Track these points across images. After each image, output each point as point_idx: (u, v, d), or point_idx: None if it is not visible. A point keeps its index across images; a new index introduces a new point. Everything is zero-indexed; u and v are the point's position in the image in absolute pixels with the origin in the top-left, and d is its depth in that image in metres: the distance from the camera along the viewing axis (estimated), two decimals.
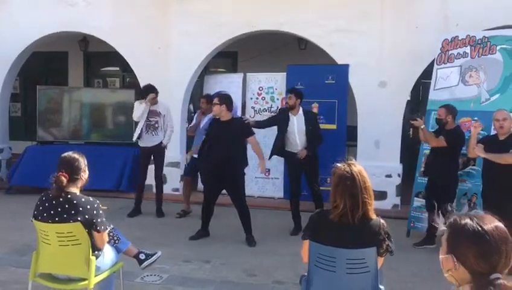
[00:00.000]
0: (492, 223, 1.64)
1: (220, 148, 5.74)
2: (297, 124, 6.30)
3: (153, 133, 6.99)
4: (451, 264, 1.66)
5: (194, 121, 7.10)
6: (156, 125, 6.98)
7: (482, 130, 5.87)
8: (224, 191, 6.09)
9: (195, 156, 6.82)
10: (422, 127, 5.76)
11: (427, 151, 6.31)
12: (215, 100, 5.89)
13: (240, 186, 5.93)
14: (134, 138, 7.09)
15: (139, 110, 6.86)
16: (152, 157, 7.15)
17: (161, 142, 7.04)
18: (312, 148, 6.27)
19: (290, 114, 6.35)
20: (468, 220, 1.66)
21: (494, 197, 4.97)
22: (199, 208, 7.07)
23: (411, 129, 9.86)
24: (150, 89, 6.93)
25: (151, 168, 7.24)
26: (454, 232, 1.67)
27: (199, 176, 7.21)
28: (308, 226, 3.00)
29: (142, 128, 6.92)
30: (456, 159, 5.65)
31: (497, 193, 4.97)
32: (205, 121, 6.81)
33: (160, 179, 7.22)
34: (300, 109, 6.38)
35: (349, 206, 2.80)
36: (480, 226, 1.62)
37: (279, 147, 6.43)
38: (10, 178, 8.64)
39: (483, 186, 5.45)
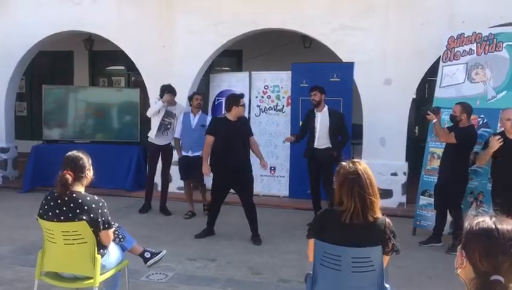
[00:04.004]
0: (510, 225, 1.57)
1: (237, 147, 5.74)
2: (320, 119, 6.50)
3: (164, 132, 7.06)
4: (459, 260, 1.63)
5: (180, 125, 7.00)
6: (169, 126, 7.04)
7: (488, 128, 5.86)
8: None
9: (185, 153, 6.86)
10: (434, 121, 5.73)
11: (433, 149, 6.29)
12: (244, 101, 5.97)
13: (251, 186, 5.98)
14: (151, 136, 7.07)
15: (155, 107, 6.91)
16: (160, 155, 7.19)
17: (170, 143, 7.08)
18: (337, 148, 6.42)
19: (315, 111, 6.55)
20: (486, 218, 1.61)
21: (503, 197, 4.90)
22: (202, 207, 7.13)
23: (417, 127, 9.84)
24: (168, 89, 6.98)
25: (158, 166, 7.29)
26: (469, 227, 1.62)
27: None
28: (313, 224, 2.99)
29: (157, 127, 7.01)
30: (465, 158, 5.60)
31: (507, 194, 4.91)
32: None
33: (166, 178, 7.26)
34: (326, 106, 6.57)
35: (355, 205, 2.78)
36: (494, 224, 1.57)
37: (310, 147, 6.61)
38: (24, 184, 8.56)
39: (492, 186, 5.42)
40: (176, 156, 7.45)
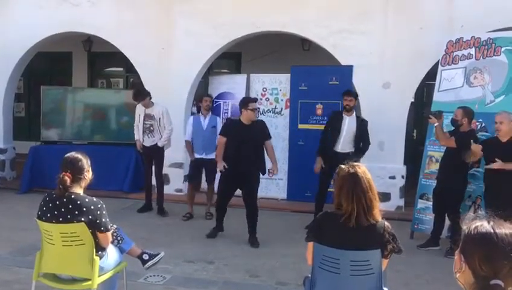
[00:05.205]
0: (508, 229, 1.57)
1: (247, 151, 5.75)
2: (348, 124, 6.50)
3: (149, 135, 7.12)
4: (458, 264, 1.62)
5: (191, 128, 7.04)
6: (151, 128, 7.08)
7: (486, 131, 5.88)
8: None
9: (198, 155, 6.86)
10: (436, 124, 5.73)
11: (432, 153, 6.31)
12: (256, 105, 5.95)
13: (257, 188, 6.01)
14: (139, 144, 7.26)
15: (136, 136, 7.23)
16: (152, 157, 7.23)
17: (156, 143, 7.11)
18: (358, 154, 6.37)
19: (344, 114, 6.53)
20: (484, 222, 1.60)
21: (496, 200, 4.93)
22: (202, 209, 7.13)
23: (415, 130, 9.85)
24: (135, 96, 7.09)
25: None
26: (467, 232, 1.62)
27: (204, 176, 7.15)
28: (313, 227, 2.98)
29: (141, 131, 7.13)
30: (465, 163, 5.62)
31: (500, 196, 4.94)
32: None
33: (159, 179, 7.27)
34: (354, 111, 6.62)
35: (354, 208, 2.78)
36: (493, 229, 1.56)
37: (326, 147, 6.52)
38: (21, 185, 8.51)
39: (485, 189, 5.45)
40: (175, 158, 7.47)
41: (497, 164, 5.13)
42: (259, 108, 5.97)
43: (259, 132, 5.94)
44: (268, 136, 6.06)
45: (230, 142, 5.85)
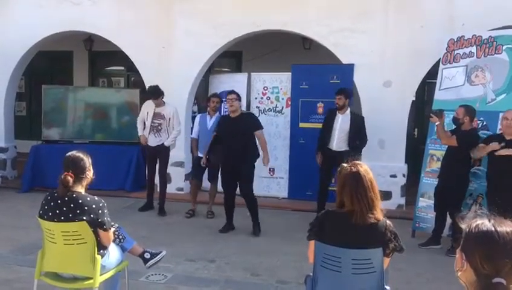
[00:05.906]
0: (509, 227, 1.57)
1: (235, 143, 5.89)
2: (341, 122, 6.58)
3: (156, 134, 7.10)
4: (459, 263, 1.63)
5: (197, 126, 7.09)
6: (159, 127, 7.07)
7: (487, 130, 5.88)
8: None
9: (200, 155, 6.89)
10: (437, 123, 5.72)
11: (433, 151, 6.30)
12: (234, 96, 6.08)
13: (250, 176, 6.12)
14: (144, 139, 7.21)
15: (139, 130, 7.22)
16: (157, 156, 7.20)
17: (163, 143, 7.10)
18: (354, 151, 6.38)
19: (337, 112, 6.64)
20: (485, 220, 1.60)
21: (499, 197, 4.95)
22: (204, 208, 7.14)
23: (416, 129, 9.84)
24: (149, 93, 7.09)
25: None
26: (468, 230, 1.62)
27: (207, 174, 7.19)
28: (314, 226, 2.98)
29: (148, 129, 7.09)
30: (466, 161, 5.62)
31: (503, 194, 4.95)
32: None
33: (163, 178, 7.25)
34: (349, 109, 6.68)
35: (357, 207, 2.79)
36: (494, 227, 1.57)
37: (323, 144, 6.63)
38: (23, 184, 8.51)
39: (487, 187, 5.45)
40: (176, 157, 7.47)
41: (506, 150, 5.11)
42: (237, 97, 6.15)
43: (249, 124, 6.09)
44: (259, 127, 6.18)
45: (222, 137, 6.05)
